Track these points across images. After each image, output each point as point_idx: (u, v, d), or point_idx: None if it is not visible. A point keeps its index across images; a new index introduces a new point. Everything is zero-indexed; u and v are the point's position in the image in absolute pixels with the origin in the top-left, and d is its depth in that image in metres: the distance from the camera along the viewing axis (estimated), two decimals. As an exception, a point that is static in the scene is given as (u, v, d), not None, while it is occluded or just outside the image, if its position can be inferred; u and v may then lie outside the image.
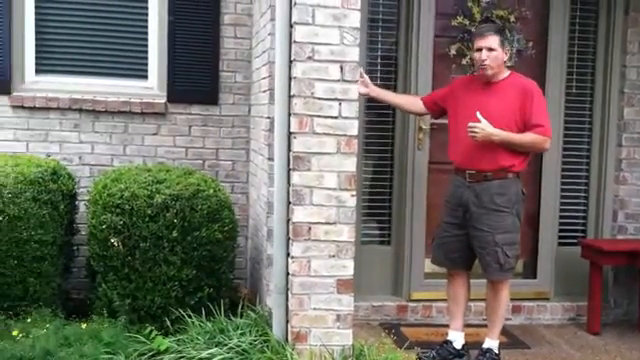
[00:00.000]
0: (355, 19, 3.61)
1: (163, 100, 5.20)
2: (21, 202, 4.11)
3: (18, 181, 4.16)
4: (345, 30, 3.60)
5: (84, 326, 3.91)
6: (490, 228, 3.98)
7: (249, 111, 5.30)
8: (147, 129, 5.20)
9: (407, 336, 4.58)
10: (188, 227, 4.19)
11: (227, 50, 5.26)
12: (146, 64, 5.24)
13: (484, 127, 3.90)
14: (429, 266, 4.82)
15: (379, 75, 4.82)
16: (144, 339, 3.91)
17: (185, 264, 4.21)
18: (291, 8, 3.62)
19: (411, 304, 4.92)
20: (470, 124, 3.92)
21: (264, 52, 4.54)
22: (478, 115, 3.92)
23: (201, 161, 5.29)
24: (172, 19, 5.12)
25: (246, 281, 5.32)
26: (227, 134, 5.32)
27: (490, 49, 3.99)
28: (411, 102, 4.46)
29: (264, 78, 4.55)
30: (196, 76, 5.22)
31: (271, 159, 4.33)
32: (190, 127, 5.27)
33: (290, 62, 3.67)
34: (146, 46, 5.22)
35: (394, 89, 4.85)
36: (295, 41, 3.58)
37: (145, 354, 3.80)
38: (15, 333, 3.80)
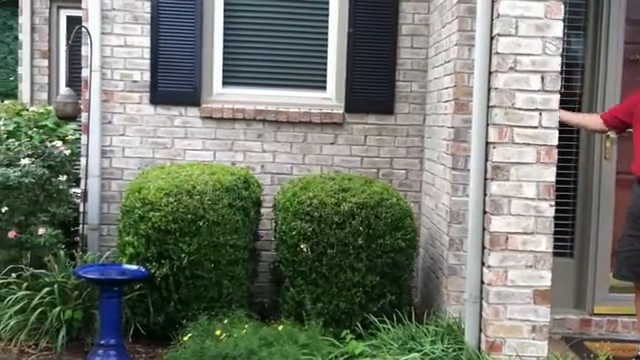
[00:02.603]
0: (558, 28, 3.59)
1: (341, 110, 5.36)
2: (219, 208, 4.36)
3: (216, 188, 4.42)
4: (548, 40, 3.59)
5: (280, 327, 4.07)
6: None
7: (424, 120, 5.35)
8: (325, 139, 5.37)
9: (593, 351, 4.45)
10: (372, 235, 4.29)
11: (403, 60, 5.34)
12: (325, 75, 5.42)
13: None
14: (614, 279, 4.66)
15: (563, 83, 4.70)
16: (335, 342, 4.05)
17: (369, 271, 4.32)
18: (492, 20, 3.64)
19: (595, 318, 4.75)
20: None
21: (447, 62, 4.57)
22: None
23: (375, 170, 5.39)
24: (351, 31, 5.27)
25: (416, 289, 5.35)
26: (402, 143, 5.40)
27: None
28: (589, 120, 4.40)
29: (446, 88, 4.58)
30: (372, 86, 5.33)
31: (455, 168, 4.36)
32: (366, 136, 5.39)
33: (489, 73, 3.69)
34: (325, 58, 5.40)
35: (579, 97, 4.76)
36: (497, 52, 3.60)
37: (340, 356, 3.92)
38: (218, 333, 4.01)
